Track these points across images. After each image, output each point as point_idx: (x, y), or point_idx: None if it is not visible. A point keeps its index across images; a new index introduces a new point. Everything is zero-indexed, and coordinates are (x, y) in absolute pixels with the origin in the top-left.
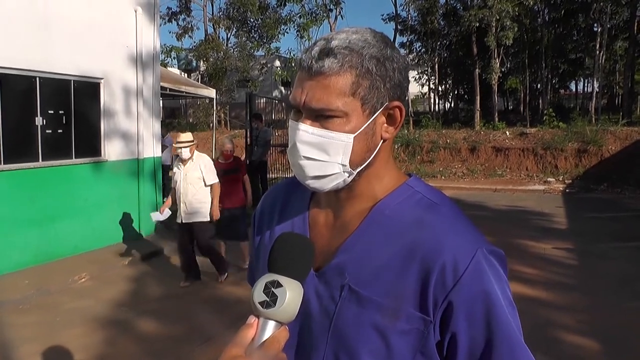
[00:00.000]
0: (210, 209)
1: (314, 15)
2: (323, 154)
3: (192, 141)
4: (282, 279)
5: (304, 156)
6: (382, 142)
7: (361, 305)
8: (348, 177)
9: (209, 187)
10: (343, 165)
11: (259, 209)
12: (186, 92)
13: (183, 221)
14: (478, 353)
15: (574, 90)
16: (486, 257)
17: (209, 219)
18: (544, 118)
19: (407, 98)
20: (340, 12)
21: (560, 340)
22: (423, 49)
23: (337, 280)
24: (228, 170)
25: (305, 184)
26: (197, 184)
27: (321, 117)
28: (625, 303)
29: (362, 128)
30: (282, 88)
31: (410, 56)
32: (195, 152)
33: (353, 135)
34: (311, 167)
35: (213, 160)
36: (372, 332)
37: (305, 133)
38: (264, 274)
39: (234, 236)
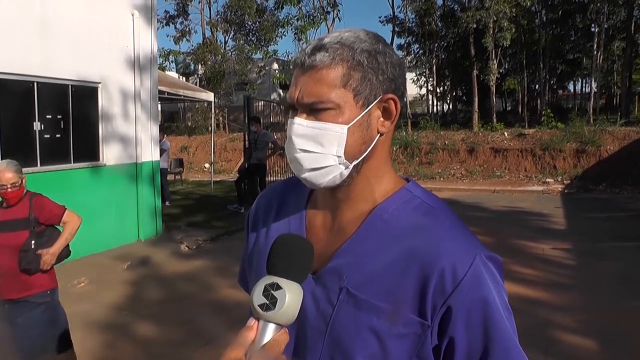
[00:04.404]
0: None
1: (311, 17)
2: (317, 145)
3: None
4: (281, 281)
5: (299, 149)
6: (379, 137)
7: (359, 308)
8: (345, 169)
9: None
10: (338, 156)
11: (254, 208)
12: (184, 96)
13: None
14: (476, 357)
15: (572, 90)
16: (484, 263)
17: None
18: (542, 119)
19: (404, 96)
20: (337, 15)
21: (559, 340)
22: (421, 51)
23: (334, 283)
24: (7, 223)
25: (302, 178)
26: None
27: (315, 110)
28: (625, 302)
29: (356, 119)
30: (281, 91)
31: (408, 58)
32: None
33: (347, 126)
34: (307, 159)
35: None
36: (369, 335)
37: (300, 126)
38: (258, 275)
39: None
